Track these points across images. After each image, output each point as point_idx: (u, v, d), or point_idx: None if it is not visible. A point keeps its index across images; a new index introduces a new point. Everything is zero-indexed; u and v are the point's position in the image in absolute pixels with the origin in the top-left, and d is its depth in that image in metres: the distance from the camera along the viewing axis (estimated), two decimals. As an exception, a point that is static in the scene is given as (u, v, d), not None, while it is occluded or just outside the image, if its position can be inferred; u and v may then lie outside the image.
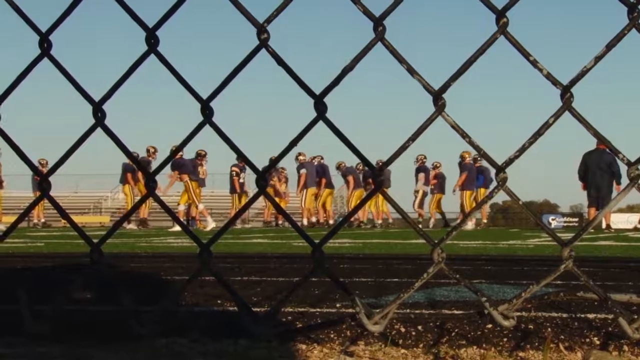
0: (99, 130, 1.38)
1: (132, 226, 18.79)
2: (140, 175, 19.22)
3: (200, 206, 17.09)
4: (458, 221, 17.93)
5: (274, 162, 1.25)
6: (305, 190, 20.64)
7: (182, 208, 17.05)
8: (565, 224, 32.29)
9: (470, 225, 19.03)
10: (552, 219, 33.42)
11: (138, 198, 17.25)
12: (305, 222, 20.51)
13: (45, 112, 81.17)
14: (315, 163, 21.16)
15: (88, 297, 2.27)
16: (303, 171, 20.52)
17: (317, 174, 21.08)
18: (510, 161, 1.21)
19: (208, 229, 16.18)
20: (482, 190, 19.73)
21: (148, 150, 18.82)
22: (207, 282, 2.52)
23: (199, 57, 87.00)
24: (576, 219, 33.86)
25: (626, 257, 5.06)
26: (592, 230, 13.48)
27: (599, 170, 14.99)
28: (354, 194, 21.23)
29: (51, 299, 1.44)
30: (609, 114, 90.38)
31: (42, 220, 22.70)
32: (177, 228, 15.38)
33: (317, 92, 1.25)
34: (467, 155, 19.64)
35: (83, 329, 1.64)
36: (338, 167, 22.02)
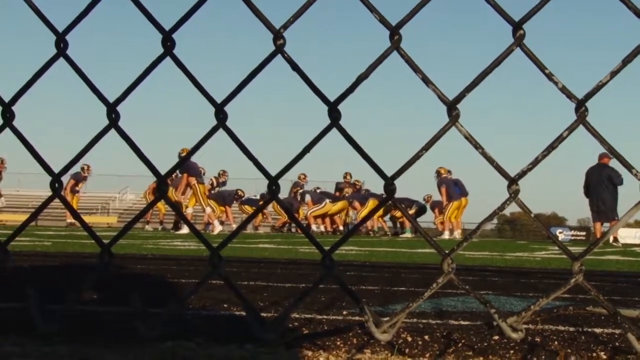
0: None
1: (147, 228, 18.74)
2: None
3: (208, 209, 17.11)
4: (444, 231, 17.94)
5: (285, 169, 1.25)
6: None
7: (190, 211, 17.04)
8: (573, 238, 32.16)
9: (446, 234, 19.58)
10: (560, 232, 33.26)
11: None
12: (314, 227, 20.62)
13: (54, 111, 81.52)
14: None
15: (95, 297, 2.27)
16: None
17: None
18: (523, 173, 1.21)
19: (215, 233, 16.19)
20: (464, 199, 19.90)
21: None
22: (214, 286, 2.51)
23: (213, 60, 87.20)
24: (583, 233, 33.68)
25: (633, 272, 5.04)
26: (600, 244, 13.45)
27: (600, 185, 15.14)
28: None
29: (58, 299, 1.44)
30: (623, 127, 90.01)
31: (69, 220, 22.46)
32: (185, 230, 15.42)
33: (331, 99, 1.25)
34: (443, 171, 20.00)
35: (90, 330, 1.64)
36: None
